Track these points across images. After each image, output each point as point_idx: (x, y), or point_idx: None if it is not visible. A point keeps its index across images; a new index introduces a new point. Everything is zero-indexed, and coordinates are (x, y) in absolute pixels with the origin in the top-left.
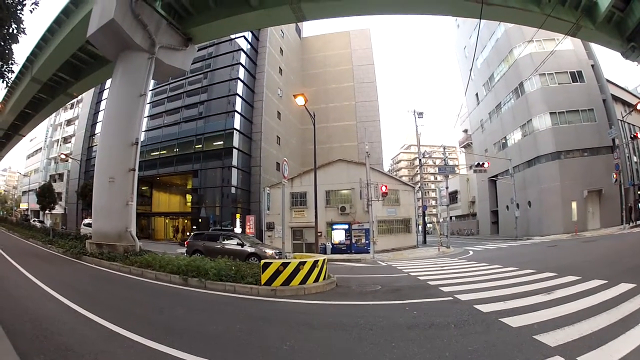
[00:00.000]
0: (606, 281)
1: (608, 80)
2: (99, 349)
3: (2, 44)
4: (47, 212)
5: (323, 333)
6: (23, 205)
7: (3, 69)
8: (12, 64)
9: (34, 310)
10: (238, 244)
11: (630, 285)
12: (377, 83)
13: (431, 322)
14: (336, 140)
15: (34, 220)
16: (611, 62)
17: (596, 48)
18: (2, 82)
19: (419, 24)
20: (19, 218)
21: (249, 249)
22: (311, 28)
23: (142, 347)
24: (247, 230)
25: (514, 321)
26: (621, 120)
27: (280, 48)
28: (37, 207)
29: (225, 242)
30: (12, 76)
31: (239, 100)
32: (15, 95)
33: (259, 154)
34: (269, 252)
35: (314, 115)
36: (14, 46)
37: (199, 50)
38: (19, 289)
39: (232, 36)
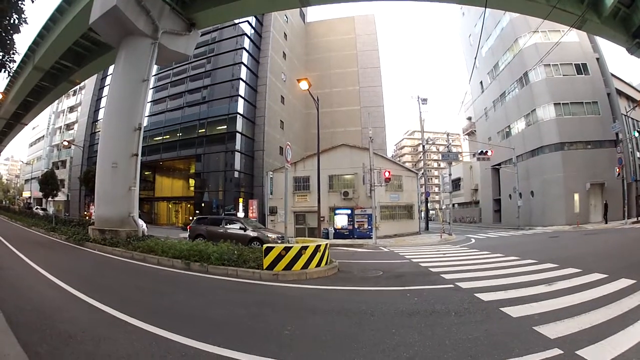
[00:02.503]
0: (607, 275)
1: (613, 75)
2: (102, 336)
3: (4, 34)
4: (49, 199)
5: (324, 318)
6: (26, 194)
7: (5, 59)
8: (13, 53)
9: (36, 298)
10: (241, 229)
11: (631, 281)
12: (382, 69)
13: (432, 309)
14: (340, 125)
15: (37, 208)
16: (616, 56)
17: (601, 42)
18: (4, 71)
19: (424, 12)
20: (22, 206)
21: (251, 233)
22: (315, 13)
23: (144, 333)
24: (250, 215)
25: (514, 311)
26: (625, 115)
27: (284, 33)
28: (39, 194)
29: (228, 226)
30: (14, 66)
31: (242, 85)
32: (17, 84)
33: (262, 138)
34: (272, 236)
35: (318, 100)
36: (15, 36)
37: (202, 35)
38: (21, 278)
39: (236, 21)
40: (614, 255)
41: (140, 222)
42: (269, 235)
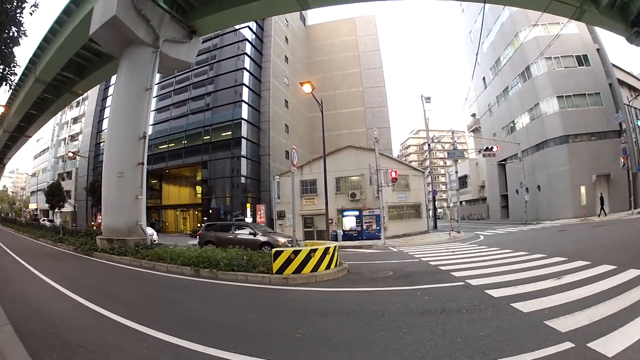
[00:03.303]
0: (615, 267)
1: (614, 65)
2: (111, 344)
3: (3, 47)
4: (56, 210)
5: (335, 320)
6: (32, 206)
7: (6, 73)
8: (14, 66)
9: (45, 309)
10: (250, 234)
11: (639, 272)
12: (384, 69)
13: (443, 307)
14: (345, 126)
15: (44, 220)
16: (616, 46)
17: (601, 32)
18: (6, 85)
19: (424, 10)
20: (28, 218)
21: (261, 238)
22: (316, 16)
23: (154, 341)
24: (258, 219)
25: (525, 306)
26: (628, 105)
27: (286, 37)
28: (46, 206)
29: (238, 232)
30: (15, 79)
31: (245, 90)
32: (19, 97)
33: (267, 143)
34: (282, 240)
35: (322, 103)
36: (15, 49)
37: (203, 42)
38: (29, 289)
39: (237, 26)
40: (622, 247)
41: (151, 231)
42: (279, 239)
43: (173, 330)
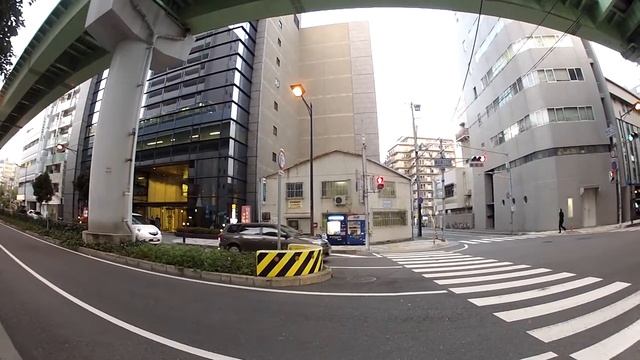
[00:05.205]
0: (601, 279)
1: (607, 79)
2: (96, 341)
3: (1, 36)
4: (43, 203)
5: (318, 324)
6: (20, 197)
7: (1, 62)
8: (10, 56)
9: (32, 303)
10: (282, 236)
11: (625, 284)
12: (375, 75)
13: (425, 315)
14: (333, 131)
15: (31, 212)
16: (610, 61)
17: (596, 46)
18: (0, 74)
19: (418, 18)
20: (16, 210)
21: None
22: (310, 19)
23: (138, 338)
24: (243, 221)
25: (508, 316)
26: (619, 119)
27: (278, 39)
28: (33, 198)
29: (266, 233)
30: (10, 68)
31: (236, 91)
32: (12, 86)
33: (255, 144)
34: (317, 242)
35: (311, 106)
36: (12, 38)
37: (196, 40)
38: (16, 282)
39: (230, 27)
40: (608, 259)
41: (154, 229)
42: (313, 242)
43: (157, 328)
